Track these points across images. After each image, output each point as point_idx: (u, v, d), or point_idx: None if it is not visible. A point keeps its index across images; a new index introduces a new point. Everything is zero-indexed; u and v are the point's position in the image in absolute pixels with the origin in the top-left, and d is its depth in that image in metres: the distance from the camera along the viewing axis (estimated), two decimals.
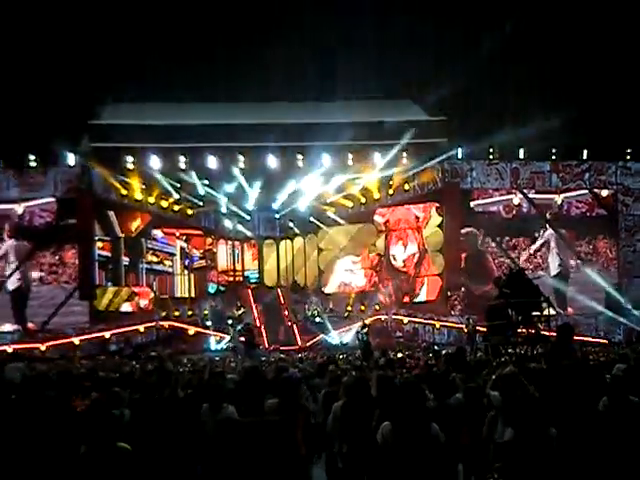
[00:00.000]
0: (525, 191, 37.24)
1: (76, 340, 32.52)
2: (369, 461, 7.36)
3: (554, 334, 21.66)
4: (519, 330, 22.96)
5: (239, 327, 34.20)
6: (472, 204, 37.18)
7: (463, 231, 36.76)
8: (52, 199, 35.00)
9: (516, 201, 37.56)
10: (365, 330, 31.81)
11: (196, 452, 9.18)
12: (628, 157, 37.21)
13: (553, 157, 37.12)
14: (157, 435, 9.17)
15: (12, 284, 35.11)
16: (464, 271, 36.18)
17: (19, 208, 35.16)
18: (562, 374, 8.39)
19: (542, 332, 23.07)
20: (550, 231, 37.53)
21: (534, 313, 23.11)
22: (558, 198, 37.66)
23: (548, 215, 37.63)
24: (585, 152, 37.07)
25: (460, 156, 36.66)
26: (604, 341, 31.88)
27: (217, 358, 27.39)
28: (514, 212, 37.81)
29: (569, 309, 35.80)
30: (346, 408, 8.87)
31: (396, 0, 36.64)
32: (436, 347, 27.65)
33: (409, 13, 36.00)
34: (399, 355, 21.90)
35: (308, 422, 9.57)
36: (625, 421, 7.50)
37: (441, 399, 9.37)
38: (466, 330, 30.99)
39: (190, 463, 9.48)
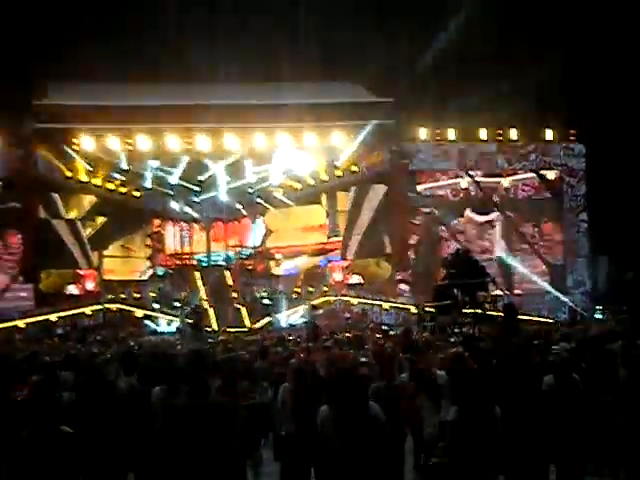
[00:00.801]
0: (472, 174, 37.50)
1: (20, 323, 32.10)
2: (313, 444, 7.36)
3: (500, 314, 21.95)
4: (465, 310, 23.22)
5: (187, 309, 34.07)
6: (419, 188, 37.34)
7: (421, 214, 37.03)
8: None
9: (464, 184, 37.80)
10: (313, 311, 31.95)
11: (142, 436, 9.12)
12: (572, 138, 37.62)
13: (499, 138, 37.39)
14: (103, 418, 9.09)
15: None
16: (419, 255, 36.29)
17: None
18: (507, 353, 8.46)
19: (488, 312, 23.36)
20: (496, 213, 37.85)
21: (480, 293, 23.38)
22: (505, 181, 38.01)
23: (495, 198, 37.94)
24: (531, 133, 37.43)
25: (408, 137, 36.79)
26: (549, 320, 32.25)
27: (164, 340, 27.20)
28: (461, 195, 38.04)
29: (516, 290, 36.22)
30: (293, 390, 8.87)
31: None
32: (384, 327, 27.78)
33: None
34: (347, 336, 21.91)
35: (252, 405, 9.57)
36: (568, 398, 7.59)
37: (388, 380, 9.39)
38: (416, 311, 31.20)
39: (135, 447, 9.42)
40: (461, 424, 6.41)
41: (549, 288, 35.95)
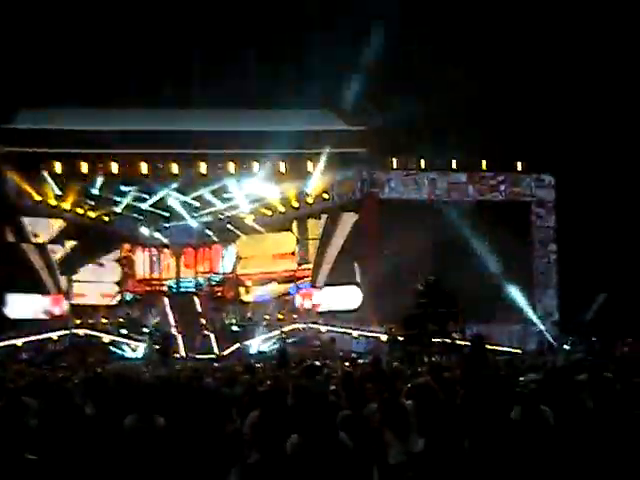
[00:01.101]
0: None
1: None
2: (280, 472, 7.31)
3: (468, 344, 21.98)
4: (434, 339, 23.27)
5: (155, 335, 33.89)
6: None
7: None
8: None
9: None
10: (284, 339, 31.91)
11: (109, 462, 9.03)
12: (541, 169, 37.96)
13: (469, 169, 37.63)
14: (68, 445, 8.99)
15: None
16: None
17: None
18: (475, 384, 8.45)
19: (457, 341, 23.43)
20: None
21: (450, 323, 23.45)
22: None
23: None
24: (500, 164, 37.70)
25: (378, 166, 36.96)
26: (517, 350, 32.33)
27: (132, 366, 27.00)
28: None
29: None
30: (261, 417, 8.81)
31: (314, 13, 36.68)
32: (353, 355, 27.73)
33: (327, 25, 36.12)
34: (316, 364, 21.84)
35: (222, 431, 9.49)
36: (536, 431, 7.59)
37: (356, 409, 9.35)
38: (386, 339, 31.21)
39: (102, 473, 9.33)
40: (429, 455, 6.40)
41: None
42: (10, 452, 6.46)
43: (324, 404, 6.57)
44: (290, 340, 34.37)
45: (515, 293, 36.28)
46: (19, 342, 32.69)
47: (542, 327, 36.02)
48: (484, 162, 37.72)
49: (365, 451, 7.64)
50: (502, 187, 37.77)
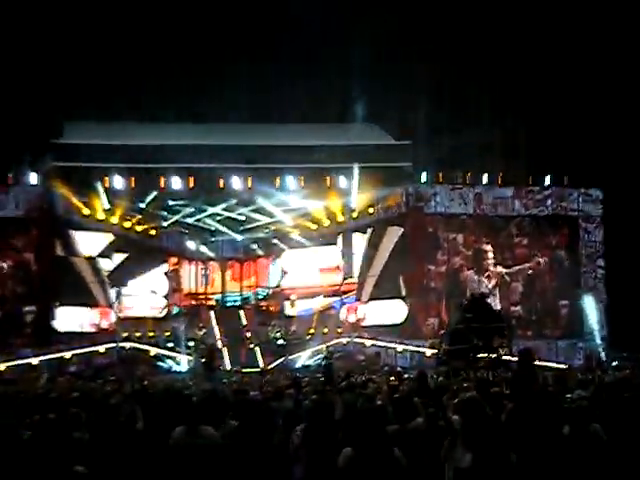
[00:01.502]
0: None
1: (35, 360, 32.11)
2: None
3: (515, 359, 21.80)
4: (480, 355, 23.10)
5: (201, 349, 34.02)
6: None
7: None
8: None
9: None
10: (329, 353, 31.85)
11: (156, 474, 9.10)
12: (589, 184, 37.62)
13: (516, 183, 37.39)
14: (117, 457, 9.08)
15: None
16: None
17: None
18: (523, 400, 8.40)
19: (503, 357, 23.23)
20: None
21: (496, 338, 23.28)
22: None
23: None
24: (547, 178, 37.38)
25: (424, 180, 36.87)
26: (564, 366, 32.03)
27: (178, 380, 27.13)
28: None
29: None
30: (308, 431, 8.82)
31: (360, 25, 36.76)
32: (399, 370, 27.65)
33: (375, 37, 36.21)
34: (362, 378, 21.81)
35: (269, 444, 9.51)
36: (586, 447, 7.53)
37: (403, 423, 9.34)
38: (431, 353, 31.10)
39: None
40: (476, 470, 6.36)
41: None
42: (59, 464, 6.54)
43: (374, 419, 6.57)
44: (335, 354, 34.30)
45: (563, 308, 35.97)
46: (67, 355, 33.01)
47: (590, 343, 35.61)
48: (530, 177, 37.44)
49: (412, 467, 7.63)
50: (548, 202, 37.45)
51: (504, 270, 37.24)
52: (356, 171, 35.14)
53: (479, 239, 37.36)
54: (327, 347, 32.75)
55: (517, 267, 37.48)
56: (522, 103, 35.16)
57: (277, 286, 41.91)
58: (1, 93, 32.60)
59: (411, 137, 35.61)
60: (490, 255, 37.28)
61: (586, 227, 37.60)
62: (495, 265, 37.28)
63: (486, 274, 37.17)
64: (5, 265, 35.00)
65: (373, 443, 6.43)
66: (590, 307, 36.80)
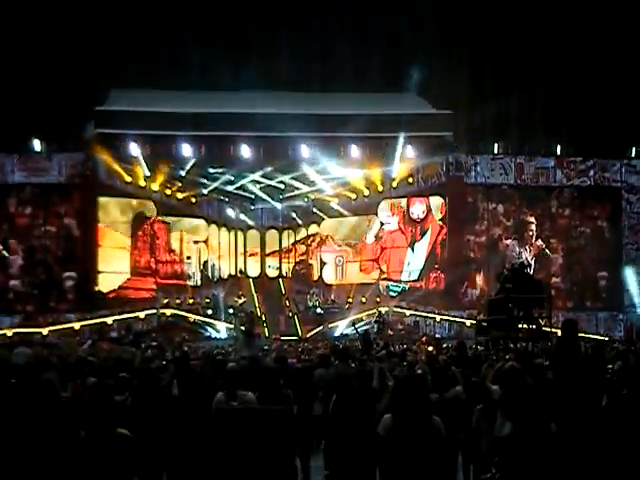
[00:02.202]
0: None
1: (77, 325, 32.53)
2: (369, 453, 7.36)
3: (555, 330, 21.72)
4: (520, 325, 22.99)
5: (241, 316, 34.27)
6: None
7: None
8: None
9: None
10: (380, 315, 32.37)
11: (198, 439, 9.21)
12: (633, 155, 37.18)
13: (558, 153, 37.04)
14: (157, 422, 9.18)
15: None
16: None
17: None
18: (565, 370, 8.36)
19: (543, 328, 23.11)
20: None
21: (535, 309, 23.13)
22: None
23: None
24: (590, 148, 37.01)
25: (465, 150, 36.62)
26: (605, 338, 31.89)
27: (218, 347, 27.36)
28: None
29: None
30: (344, 400, 8.86)
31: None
32: (437, 339, 27.67)
33: (419, 7, 35.98)
34: (400, 348, 21.87)
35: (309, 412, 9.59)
36: (623, 419, 7.49)
37: (441, 392, 9.37)
38: (470, 323, 31.10)
39: (189, 449, 9.51)
40: (516, 440, 6.35)
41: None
42: (102, 426, 6.64)
43: (415, 387, 6.58)
44: (373, 323, 34.40)
45: (604, 280, 35.75)
46: (109, 320, 33.39)
47: (630, 315, 35.37)
48: (573, 147, 37.06)
49: (451, 436, 7.65)
50: (591, 172, 37.07)
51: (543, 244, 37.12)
52: (399, 140, 35.01)
53: (520, 210, 37.12)
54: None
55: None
56: (567, 74, 34.78)
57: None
58: (47, 60, 32.78)
59: (453, 107, 35.32)
60: (532, 227, 37.08)
61: (628, 198, 37.21)
62: (536, 237, 37.09)
63: (527, 245, 36.98)
64: (48, 230, 35.39)
65: (413, 411, 6.44)
66: (631, 279, 36.54)
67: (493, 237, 37.10)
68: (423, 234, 38.38)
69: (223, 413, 8.44)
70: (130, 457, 6.68)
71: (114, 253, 36.75)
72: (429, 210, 38.07)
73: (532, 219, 37.19)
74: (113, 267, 36.66)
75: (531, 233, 37.12)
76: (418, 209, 38.48)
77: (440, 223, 37.64)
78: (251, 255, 42.37)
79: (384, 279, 39.11)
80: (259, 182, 38.80)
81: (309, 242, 42.09)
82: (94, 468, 6.53)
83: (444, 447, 6.54)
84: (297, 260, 42.31)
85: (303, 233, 42.07)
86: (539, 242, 37.09)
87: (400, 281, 38.67)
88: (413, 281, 38.42)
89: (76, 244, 35.41)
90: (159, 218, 38.38)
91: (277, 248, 42.47)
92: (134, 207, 37.58)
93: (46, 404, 8.41)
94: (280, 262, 42.30)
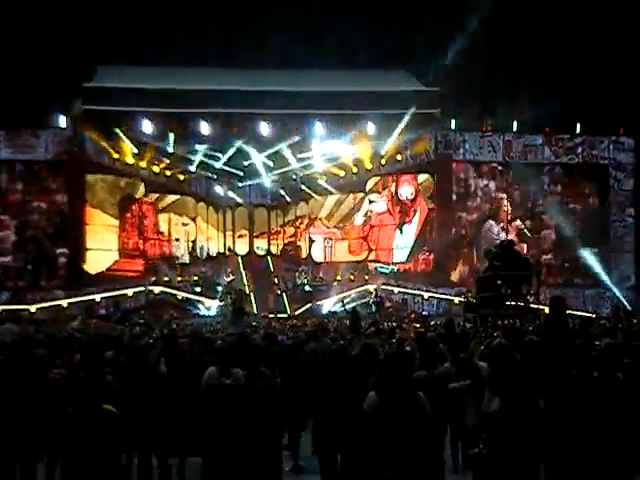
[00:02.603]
0: None
1: (64, 303, 32.50)
2: (353, 431, 7.38)
3: (542, 307, 21.81)
4: (508, 302, 23.09)
5: (230, 294, 34.30)
6: None
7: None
8: None
9: None
10: (376, 291, 32.52)
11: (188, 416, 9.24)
12: (621, 132, 37.19)
13: (546, 130, 37.04)
14: (145, 399, 9.19)
15: None
16: None
17: None
18: (553, 347, 8.38)
19: (531, 305, 23.22)
20: None
21: (524, 286, 23.25)
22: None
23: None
24: (578, 126, 37.00)
25: (453, 127, 36.55)
26: (592, 315, 32.03)
27: (206, 324, 27.38)
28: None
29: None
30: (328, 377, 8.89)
31: None
32: (425, 316, 27.76)
33: None
34: (389, 325, 21.91)
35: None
36: (610, 396, 7.52)
37: (430, 369, 9.38)
38: (459, 301, 31.24)
39: (180, 428, 9.54)
40: (504, 416, 6.39)
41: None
42: (88, 402, 6.64)
43: (400, 364, 6.59)
44: (362, 301, 34.48)
45: (591, 257, 35.84)
46: (97, 297, 33.37)
47: (618, 292, 35.50)
48: (560, 124, 37.01)
49: (439, 412, 7.68)
50: (579, 149, 37.10)
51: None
52: (385, 117, 34.95)
53: (509, 187, 37.15)
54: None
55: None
56: (553, 49, 34.65)
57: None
58: (33, 36, 32.52)
59: (441, 83, 35.23)
60: (506, 207, 37.16)
61: (616, 175, 37.25)
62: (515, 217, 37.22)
63: (513, 223, 37.05)
64: (39, 206, 35.27)
65: (398, 388, 6.46)
66: (619, 256, 36.69)
67: (483, 214, 37.10)
68: (412, 216, 38.34)
69: (214, 389, 8.46)
70: (117, 434, 6.69)
71: (102, 234, 36.59)
72: (418, 191, 38.02)
73: (518, 196, 37.26)
74: (101, 247, 36.53)
75: (508, 213, 37.20)
76: (406, 190, 38.41)
77: (429, 205, 37.60)
78: (240, 237, 42.24)
79: (372, 261, 39.09)
80: (247, 160, 38.71)
81: (297, 224, 41.99)
82: (81, 445, 6.53)
83: (430, 423, 6.56)
84: (285, 242, 42.22)
85: (292, 212, 41.94)
86: (517, 222, 37.14)
87: (389, 263, 38.67)
88: (401, 263, 38.39)
89: (66, 222, 35.29)
90: (146, 199, 38.25)
91: (266, 228, 42.35)
92: (122, 187, 37.42)
93: (34, 380, 8.42)
94: (269, 244, 42.24)
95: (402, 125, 35.23)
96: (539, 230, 37.17)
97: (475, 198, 37.11)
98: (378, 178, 39.12)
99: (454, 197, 36.90)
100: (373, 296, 34.53)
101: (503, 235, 36.05)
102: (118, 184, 37.19)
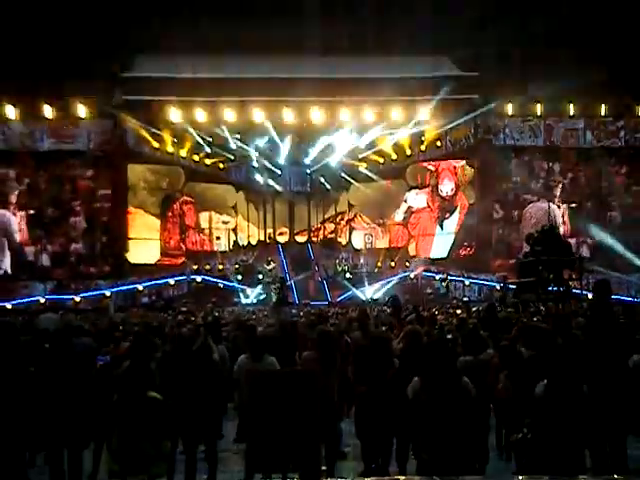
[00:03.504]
0: None
1: (108, 292, 32.82)
2: (396, 416, 7.40)
3: (586, 292, 21.64)
4: (550, 287, 22.93)
5: (271, 282, 34.40)
6: None
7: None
8: None
9: None
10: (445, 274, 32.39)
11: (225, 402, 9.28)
12: None
13: (587, 114, 36.63)
14: (189, 386, 9.25)
15: None
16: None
17: None
18: (597, 331, 8.30)
19: (573, 290, 23.04)
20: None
21: (565, 271, 23.07)
22: None
23: None
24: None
25: (493, 112, 36.28)
26: (636, 300, 31.68)
27: (248, 312, 27.48)
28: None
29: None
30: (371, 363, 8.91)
31: None
32: (466, 298, 27.68)
33: None
34: (430, 311, 21.85)
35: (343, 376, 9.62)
36: None
37: (474, 354, 9.37)
38: (500, 286, 31.04)
39: (219, 413, 9.60)
40: (548, 400, 6.36)
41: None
42: (134, 390, 6.73)
43: (442, 350, 6.59)
44: (402, 288, 34.41)
45: (633, 242, 35.39)
46: (140, 287, 33.66)
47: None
48: (603, 107, 36.60)
49: (483, 397, 7.67)
50: (622, 133, 36.65)
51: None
52: (424, 103, 34.82)
53: (551, 171, 36.83)
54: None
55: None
56: (597, 32, 34.27)
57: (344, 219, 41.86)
58: (72, 27, 32.74)
59: (480, 68, 34.97)
60: (560, 187, 36.79)
61: None
62: (565, 198, 36.80)
63: (557, 206, 36.67)
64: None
65: (440, 373, 6.47)
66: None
67: (523, 199, 36.79)
68: (452, 212, 38.22)
69: (251, 375, 8.50)
70: (161, 420, 6.77)
71: (145, 234, 37.01)
72: (458, 186, 37.88)
73: (562, 179, 36.91)
74: (143, 251, 36.90)
75: (560, 194, 36.82)
76: (447, 186, 38.33)
77: (469, 200, 37.45)
78: (280, 234, 42.25)
79: (413, 257, 38.94)
80: (287, 148, 38.80)
81: (338, 220, 42.03)
82: (127, 431, 6.62)
83: (474, 408, 6.56)
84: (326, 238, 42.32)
85: (332, 203, 41.91)
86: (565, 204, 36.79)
87: (429, 258, 38.47)
88: (442, 259, 38.18)
89: (111, 213, 35.65)
90: (186, 198, 38.51)
91: (306, 225, 42.32)
92: (163, 189, 37.81)
93: (80, 369, 8.52)
94: (309, 227, 42.26)
95: (441, 111, 35.10)
96: (605, 212, 36.69)
97: (514, 183, 36.83)
98: (418, 171, 39.02)
99: (495, 182, 36.62)
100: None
101: (557, 214, 35.74)
102: (159, 184, 37.49)
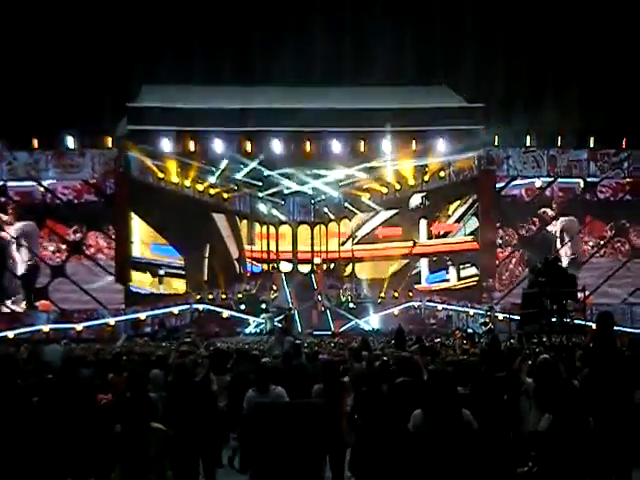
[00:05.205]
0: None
1: (111, 321, 32.77)
2: (394, 450, 7.38)
3: (589, 323, 21.57)
4: (553, 319, 22.84)
5: (275, 311, 34.26)
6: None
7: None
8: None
9: (538, 184, 36.95)
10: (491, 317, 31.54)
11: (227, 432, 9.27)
12: None
13: (591, 145, 36.69)
14: (191, 416, 9.24)
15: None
16: None
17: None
18: (600, 365, 8.28)
19: (576, 321, 22.95)
20: (562, 218, 36.90)
21: (569, 302, 22.97)
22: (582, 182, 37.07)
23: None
24: (624, 141, 36.61)
25: (496, 143, 36.34)
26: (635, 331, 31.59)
27: (252, 342, 27.42)
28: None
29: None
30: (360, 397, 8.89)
31: None
32: (469, 330, 27.54)
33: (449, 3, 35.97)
34: (433, 342, 21.83)
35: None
36: None
37: (475, 387, 9.34)
38: (487, 320, 30.85)
39: (220, 443, 9.58)
40: (553, 434, 6.34)
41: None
42: (137, 420, 6.73)
43: (444, 382, 6.59)
44: (405, 318, 34.36)
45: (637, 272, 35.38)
46: (142, 316, 33.59)
47: None
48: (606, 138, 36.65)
49: (487, 429, 7.64)
50: (625, 164, 36.65)
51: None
52: (429, 134, 34.91)
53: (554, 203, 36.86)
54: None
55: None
56: (599, 65, 34.46)
57: (348, 250, 41.80)
58: (78, 57, 32.98)
59: (484, 99, 35.10)
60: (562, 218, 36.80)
61: None
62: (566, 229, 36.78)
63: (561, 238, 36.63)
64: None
65: (442, 406, 6.45)
66: None
67: (528, 230, 36.73)
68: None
69: (259, 407, 8.50)
70: (165, 451, 6.76)
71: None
72: (461, 217, 37.84)
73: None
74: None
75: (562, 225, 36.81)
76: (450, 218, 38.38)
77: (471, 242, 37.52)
78: (283, 263, 42.16)
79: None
80: (291, 178, 38.82)
81: (341, 250, 42.00)
82: (129, 462, 6.60)
83: (476, 440, 6.54)
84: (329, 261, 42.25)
85: (335, 232, 41.88)
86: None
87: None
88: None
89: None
90: None
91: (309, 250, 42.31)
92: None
93: (82, 400, 8.52)
94: (312, 257, 42.19)
95: (445, 141, 35.20)
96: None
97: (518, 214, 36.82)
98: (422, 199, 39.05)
99: (498, 213, 36.58)
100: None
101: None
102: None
